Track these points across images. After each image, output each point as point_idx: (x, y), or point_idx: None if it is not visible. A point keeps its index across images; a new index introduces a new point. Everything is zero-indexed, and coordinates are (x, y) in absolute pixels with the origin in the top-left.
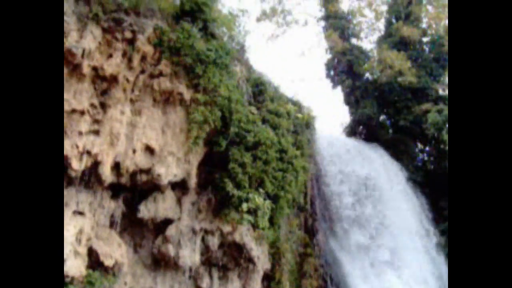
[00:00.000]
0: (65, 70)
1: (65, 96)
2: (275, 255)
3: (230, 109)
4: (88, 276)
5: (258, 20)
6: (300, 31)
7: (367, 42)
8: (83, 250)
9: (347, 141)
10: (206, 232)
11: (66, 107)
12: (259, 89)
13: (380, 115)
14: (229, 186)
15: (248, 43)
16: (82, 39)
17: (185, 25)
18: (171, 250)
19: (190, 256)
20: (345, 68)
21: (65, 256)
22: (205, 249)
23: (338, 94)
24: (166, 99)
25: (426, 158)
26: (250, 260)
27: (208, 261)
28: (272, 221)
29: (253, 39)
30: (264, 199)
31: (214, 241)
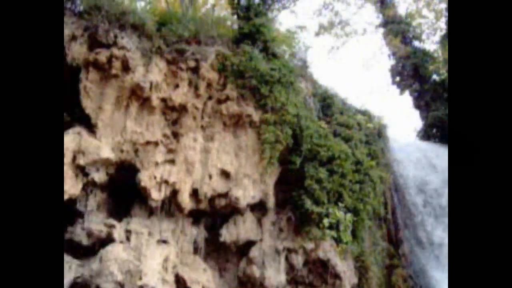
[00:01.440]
0: (136, 104)
1: (138, 129)
2: (361, 269)
3: (300, 126)
4: None
5: (317, 34)
6: (360, 40)
7: (430, 43)
8: (170, 277)
9: (422, 146)
10: (289, 251)
11: (140, 140)
12: (327, 103)
13: None
14: (308, 203)
15: (310, 58)
16: (148, 73)
17: (246, 47)
18: (256, 271)
19: (275, 276)
20: (411, 72)
21: (153, 284)
22: (290, 268)
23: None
24: (236, 123)
25: None
26: (336, 276)
27: (294, 280)
28: (354, 235)
29: (315, 54)
30: (344, 213)
31: (298, 260)
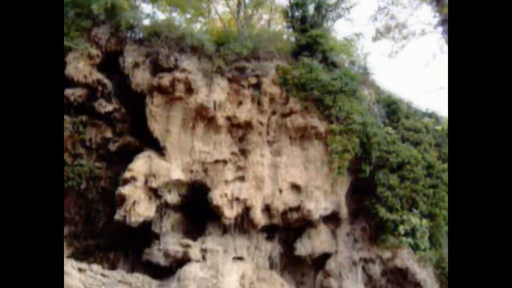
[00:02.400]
0: (201, 124)
1: (206, 148)
2: (442, 276)
3: (367, 134)
4: None
5: (374, 39)
6: (419, 42)
7: None
8: None
9: None
10: (366, 261)
11: (209, 159)
12: (392, 108)
13: None
14: (382, 211)
15: (370, 65)
16: (211, 93)
17: (305, 59)
18: (333, 283)
19: (353, 287)
20: None
21: None
22: (368, 279)
23: None
24: (302, 135)
25: None
26: (416, 284)
27: None
28: (432, 241)
29: (374, 60)
30: (420, 219)
31: (375, 269)
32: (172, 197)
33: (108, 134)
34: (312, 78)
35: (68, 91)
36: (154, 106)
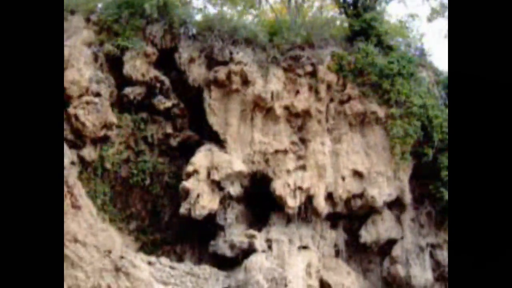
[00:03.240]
0: (260, 115)
1: (266, 139)
2: None
3: (428, 117)
4: None
5: (429, 19)
6: None
7: None
8: (314, 282)
9: None
10: (433, 246)
11: (269, 149)
12: None
13: None
14: (447, 195)
15: (427, 46)
16: (267, 84)
17: (360, 44)
18: (400, 270)
19: (421, 274)
20: None
21: None
22: (436, 265)
23: None
24: (362, 121)
25: None
26: None
27: (441, 277)
28: None
29: (431, 40)
30: None
31: (443, 255)
32: (234, 189)
33: (169, 129)
34: (368, 62)
35: (127, 90)
36: (212, 100)
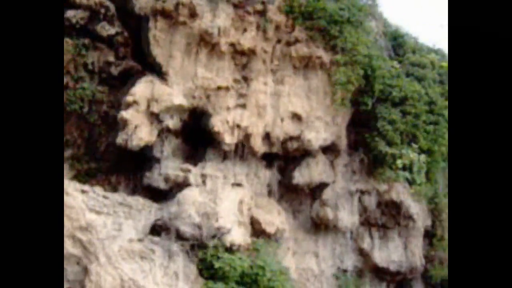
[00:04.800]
0: (205, 50)
1: (209, 75)
2: (435, 211)
3: (372, 66)
4: (253, 243)
5: None
6: None
7: None
8: (245, 219)
9: None
10: (362, 192)
11: (211, 85)
12: (398, 42)
13: None
14: (381, 145)
15: None
16: (215, 18)
17: None
18: (329, 213)
19: (348, 217)
20: None
21: (229, 226)
22: (363, 210)
23: None
24: (306, 65)
25: None
26: (409, 217)
27: (367, 222)
28: (428, 176)
29: None
30: (418, 154)
31: (371, 201)
32: (173, 123)
33: (110, 58)
34: (319, 7)
35: (69, 13)
36: (157, 31)
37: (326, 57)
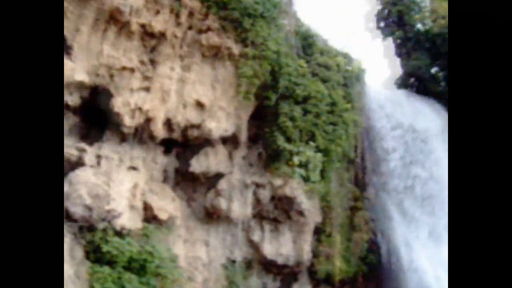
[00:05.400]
0: (114, 28)
1: (115, 54)
2: (326, 209)
3: (280, 63)
4: (144, 228)
5: None
6: None
7: None
8: (138, 204)
9: (398, 94)
10: (257, 185)
11: (116, 65)
12: (308, 42)
13: (432, 67)
14: (280, 140)
15: None
16: None
17: None
18: (223, 203)
19: (241, 209)
20: (396, 18)
21: (121, 210)
22: (257, 203)
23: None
24: (215, 54)
25: None
26: (300, 213)
27: (259, 215)
28: (323, 175)
29: None
30: (315, 153)
31: (265, 195)
32: (72, 99)
33: None
34: None
35: None
36: (67, 2)
37: (236, 48)
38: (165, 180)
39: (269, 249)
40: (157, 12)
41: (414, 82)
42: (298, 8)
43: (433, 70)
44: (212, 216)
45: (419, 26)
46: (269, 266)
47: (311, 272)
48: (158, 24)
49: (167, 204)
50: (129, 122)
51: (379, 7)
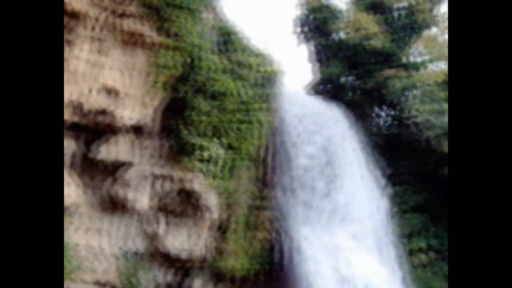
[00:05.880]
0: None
1: None
2: (230, 205)
3: (198, 56)
4: None
5: None
6: None
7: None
8: None
9: (311, 99)
10: (165, 178)
11: None
12: (230, 39)
13: (345, 76)
14: (186, 133)
15: None
16: None
17: None
18: (126, 193)
19: (145, 200)
20: (318, 25)
21: None
22: (161, 195)
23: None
24: (135, 42)
25: (388, 122)
26: (205, 208)
27: (163, 207)
28: (230, 172)
29: None
30: (224, 149)
31: (172, 188)
32: None
33: None
34: None
35: None
36: None
37: (155, 37)
38: (71, 166)
39: (170, 243)
40: None
41: (330, 89)
42: (225, 3)
43: (346, 79)
44: (115, 206)
45: (334, 35)
46: (171, 260)
47: (213, 268)
48: (75, 2)
49: (71, 191)
50: None
51: (305, 12)
